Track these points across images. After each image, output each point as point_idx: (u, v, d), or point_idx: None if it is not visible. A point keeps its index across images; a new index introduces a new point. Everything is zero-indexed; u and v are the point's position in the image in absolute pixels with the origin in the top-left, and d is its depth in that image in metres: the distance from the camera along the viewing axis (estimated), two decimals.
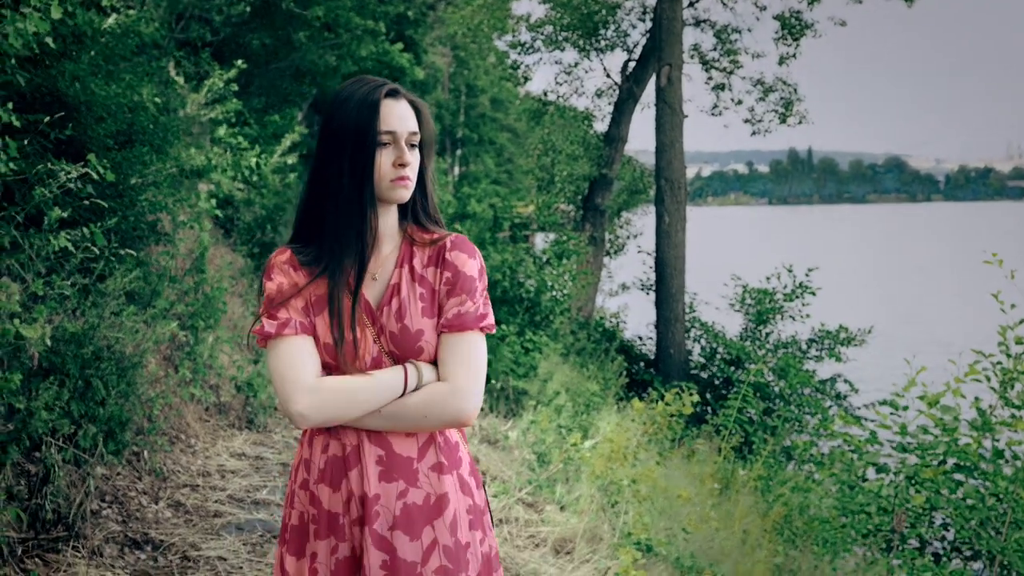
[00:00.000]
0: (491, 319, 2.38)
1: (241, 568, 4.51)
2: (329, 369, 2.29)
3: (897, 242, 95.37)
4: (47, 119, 4.93)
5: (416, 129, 2.34)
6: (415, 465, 2.30)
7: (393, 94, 2.33)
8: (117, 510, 4.85)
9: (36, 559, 4.04)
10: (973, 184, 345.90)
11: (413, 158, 2.33)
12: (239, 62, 9.82)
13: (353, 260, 2.30)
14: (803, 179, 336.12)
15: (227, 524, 5.06)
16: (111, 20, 6.59)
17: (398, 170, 2.29)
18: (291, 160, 12.41)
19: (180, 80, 9.13)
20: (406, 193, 2.32)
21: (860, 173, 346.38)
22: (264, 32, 15.45)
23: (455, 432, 2.41)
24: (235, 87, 9.82)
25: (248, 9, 14.36)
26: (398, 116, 2.30)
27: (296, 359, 2.25)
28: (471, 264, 2.36)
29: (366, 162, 2.27)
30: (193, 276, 7.04)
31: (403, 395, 2.26)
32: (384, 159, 2.29)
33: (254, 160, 8.38)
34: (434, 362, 2.33)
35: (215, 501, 5.36)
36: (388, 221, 2.39)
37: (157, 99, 6.84)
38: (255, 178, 8.87)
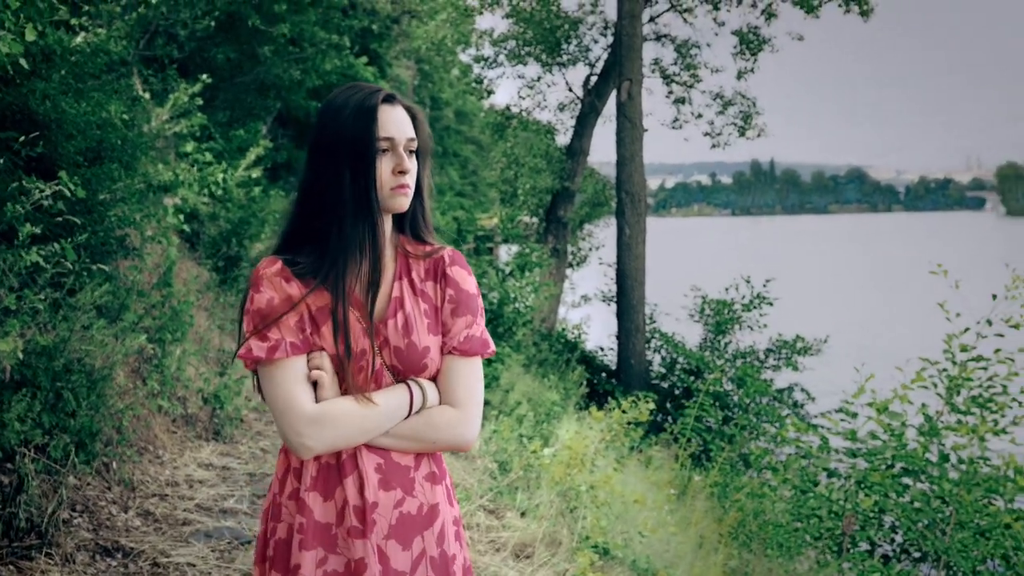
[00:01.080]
0: (493, 345, 2.35)
1: (210, 573, 4.65)
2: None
3: (857, 252, 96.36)
4: (21, 138, 5.04)
5: (414, 135, 2.27)
6: (412, 474, 2.26)
7: (389, 100, 2.25)
8: (88, 519, 4.98)
9: (10, 566, 4.17)
10: (933, 195, 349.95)
11: (412, 165, 2.25)
12: (204, 76, 9.91)
13: (359, 272, 2.23)
14: (766, 190, 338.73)
15: (196, 532, 5.19)
16: (79, 39, 6.72)
17: (398, 177, 2.22)
18: (255, 174, 12.50)
19: (147, 96, 9.24)
20: (406, 201, 2.26)
21: (822, 184, 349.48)
22: (229, 47, 15.52)
23: None
24: (200, 101, 9.92)
25: (213, 24, 14.47)
26: (396, 122, 2.23)
27: (292, 386, 2.16)
28: (471, 281, 2.33)
29: (367, 170, 2.19)
30: (160, 290, 7.17)
31: (407, 416, 2.22)
32: (383, 166, 2.21)
33: (221, 176, 8.51)
34: (432, 378, 2.28)
35: (183, 510, 5.50)
36: (385, 230, 2.30)
37: (125, 116, 6.97)
38: (220, 192, 8.99)
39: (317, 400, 2.19)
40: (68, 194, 5.18)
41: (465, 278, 2.32)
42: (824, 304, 42.81)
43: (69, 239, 5.40)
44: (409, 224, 2.36)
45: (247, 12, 12.16)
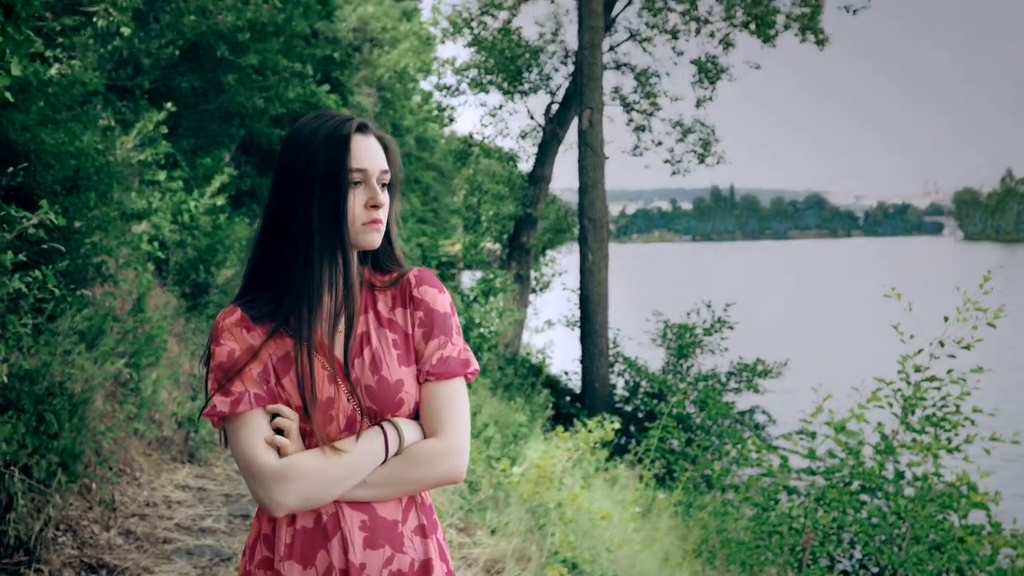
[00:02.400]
0: (475, 363, 2.20)
1: None
2: (301, 433, 2.08)
3: (816, 277, 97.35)
4: (10, 169, 5.19)
5: (387, 167, 2.13)
6: (400, 528, 2.10)
7: (363, 129, 2.11)
8: (71, 537, 5.10)
9: None
10: (891, 220, 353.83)
11: (385, 199, 2.12)
12: (169, 105, 10.03)
13: (323, 313, 2.10)
14: (726, 216, 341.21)
15: (177, 549, 5.33)
16: (53, 70, 6.87)
17: (371, 212, 2.08)
18: (220, 201, 12.63)
19: (118, 128, 9.38)
20: (378, 238, 2.12)
21: (781, 210, 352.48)
22: (193, 75, 15.62)
23: (429, 493, 2.21)
24: (165, 129, 10.03)
25: (177, 52, 14.59)
26: (369, 153, 2.09)
27: (255, 440, 2.04)
28: (441, 299, 2.17)
29: (338, 203, 2.04)
30: (135, 316, 7.31)
31: (385, 461, 2.07)
32: (355, 200, 2.07)
33: (192, 204, 8.66)
34: (413, 414, 2.14)
35: (163, 529, 5.63)
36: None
37: (99, 145, 7.12)
38: (188, 220, 9.12)
39: (281, 456, 2.04)
40: (49, 223, 5.34)
41: (435, 297, 2.17)
42: (784, 328, 43.28)
43: (50, 266, 5.55)
44: (373, 256, 2.23)
45: (216, 43, 12.30)
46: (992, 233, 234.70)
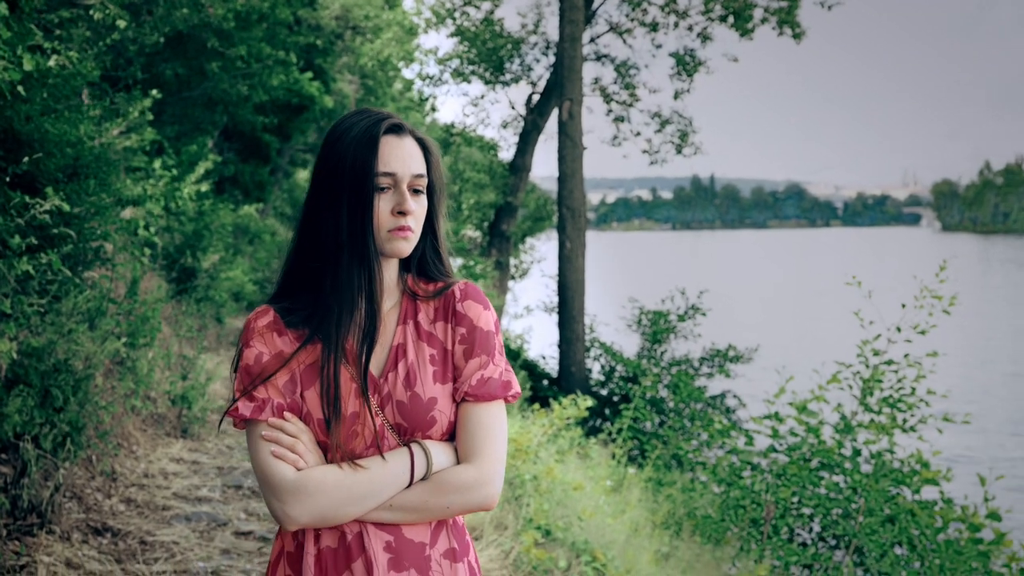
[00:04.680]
0: (517, 386, 2.09)
1: (192, 549, 5.16)
2: (324, 448, 1.99)
3: (792, 266, 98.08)
4: (24, 158, 5.51)
5: (422, 171, 2.02)
6: (427, 551, 2.00)
7: (395, 130, 2.01)
8: (77, 504, 5.46)
9: (16, 541, 4.66)
10: (870, 210, 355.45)
11: (418, 205, 2.02)
12: (154, 92, 10.26)
13: (351, 323, 2.00)
14: (706, 205, 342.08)
15: (176, 515, 5.70)
16: (52, 62, 7.20)
17: (397, 219, 1.98)
18: (204, 187, 12.91)
19: (102, 115, 9.67)
20: (406, 246, 2.01)
21: (761, 200, 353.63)
22: (177, 62, 15.85)
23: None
24: (151, 116, 10.28)
25: (162, 40, 14.85)
26: (400, 156, 1.99)
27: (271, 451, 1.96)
28: (486, 317, 2.07)
29: (364, 209, 1.96)
30: (129, 298, 7.65)
31: (410, 485, 1.97)
32: (382, 205, 1.98)
33: (185, 190, 9.00)
34: (447, 434, 2.04)
35: (162, 497, 6.00)
36: (388, 274, 2.09)
37: (94, 135, 7.45)
38: (177, 206, 9.44)
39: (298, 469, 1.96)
40: (55, 208, 5.70)
41: (480, 313, 2.07)
42: (758, 315, 43.87)
43: (56, 250, 5.90)
44: (417, 263, 2.14)
45: (207, 35, 12.58)
46: (969, 224, 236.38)
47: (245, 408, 1.99)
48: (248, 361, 2.02)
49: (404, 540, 1.97)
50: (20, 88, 5.33)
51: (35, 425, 5.20)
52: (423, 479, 1.97)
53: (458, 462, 2.01)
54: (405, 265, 2.13)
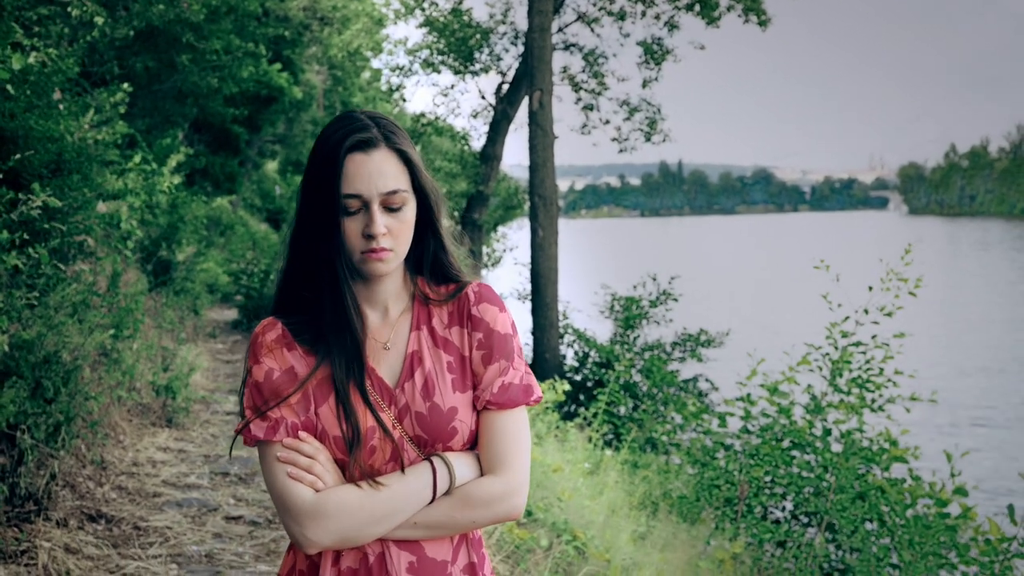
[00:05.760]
0: (538, 389, 2.03)
1: (185, 534, 5.32)
2: (341, 465, 1.93)
3: (761, 251, 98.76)
4: (8, 154, 5.62)
5: (396, 187, 1.91)
6: (449, 569, 1.96)
7: (362, 146, 1.89)
8: (71, 492, 5.60)
9: (15, 527, 4.80)
10: (838, 194, 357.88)
11: (395, 221, 1.92)
12: (125, 85, 10.30)
13: (346, 346, 1.94)
14: (674, 191, 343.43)
15: (167, 502, 5.85)
16: (31, 59, 7.30)
17: (368, 242, 1.90)
18: (176, 180, 12.95)
19: (84, 112, 9.75)
20: (383, 267, 1.92)
21: (729, 185, 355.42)
22: (148, 55, 15.84)
23: None
24: (122, 110, 10.34)
25: (132, 33, 14.87)
26: (366, 175, 1.88)
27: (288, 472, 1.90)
28: (503, 319, 2.01)
29: (333, 232, 1.90)
30: (111, 291, 7.77)
31: (433, 501, 1.91)
32: (352, 228, 1.90)
33: (165, 184, 9.11)
34: (469, 443, 1.99)
35: (152, 484, 6.14)
36: (386, 287, 2.02)
37: (71, 130, 7.55)
38: (161, 199, 9.56)
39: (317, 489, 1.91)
40: (41, 204, 5.82)
41: (496, 316, 2.00)
42: (728, 299, 44.24)
43: (44, 244, 6.03)
44: (428, 266, 2.07)
45: (181, 31, 12.63)
46: (936, 207, 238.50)
47: (258, 429, 1.92)
48: (258, 377, 1.95)
49: (427, 559, 1.93)
50: (9, 87, 5.43)
51: (28, 415, 5.33)
52: (446, 494, 1.91)
53: (482, 473, 1.96)
54: (416, 267, 2.07)
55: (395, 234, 1.92)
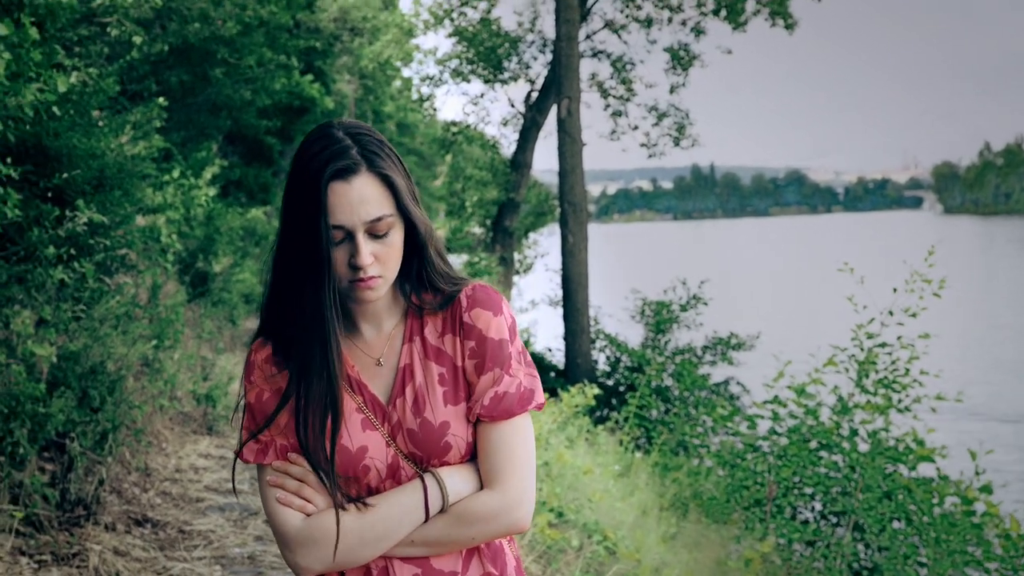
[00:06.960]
0: (540, 394, 1.94)
1: (228, 537, 5.52)
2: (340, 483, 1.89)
3: (793, 252, 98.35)
4: (53, 172, 5.85)
5: (381, 213, 1.82)
6: None
7: (342, 174, 1.80)
8: (117, 497, 5.82)
9: (66, 532, 5.01)
10: (871, 195, 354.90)
11: (383, 246, 1.84)
12: (161, 100, 10.51)
13: (337, 357, 1.87)
14: (706, 194, 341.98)
15: (210, 506, 6.06)
16: (73, 78, 7.54)
17: (355, 272, 1.83)
18: (212, 192, 13.18)
19: (123, 127, 10.01)
20: (372, 295, 1.86)
21: (762, 187, 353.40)
22: (182, 69, 16.10)
23: None
24: (159, 124, 10.56)
25: (166, 48, 15.14)
26: (347, 205, 1.80)
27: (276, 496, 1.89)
28: (496, 324, 1.91)
29: (320, 263, 1.82)
30: (153, 303, 8.01)
31: (427, 518, 1.85)
32: (339, 257, 1.83)
33: (203, 198, 9.34)
34: (467, 457, 1.91)
35: (195, 490, 6.35)
36: (376, 304, 1.95)
37: (112, 147, 7.78)
38: (199, 212, 9.79)
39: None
40: (85, 219, 6.06)
41: (488, 322, 1.90)
42: (760, 302, 44.23)
43: (89, 259, 6.26)
44: (416, 276, 1.98)
45: (216, 47, 12.88)
46: (971, 206, 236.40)
47: (249, 453, 1.92)
48: (251, 399, 1.94)
49: (433, 572, 1.88)
50: (55, 108, 5.66)
51: (76, 424, 5.56)
52: (440, 512, 1.86)
53: (482, 486, 1.89)
54: (404, 276, 1.97)
55: (383, 260, 1.85)
